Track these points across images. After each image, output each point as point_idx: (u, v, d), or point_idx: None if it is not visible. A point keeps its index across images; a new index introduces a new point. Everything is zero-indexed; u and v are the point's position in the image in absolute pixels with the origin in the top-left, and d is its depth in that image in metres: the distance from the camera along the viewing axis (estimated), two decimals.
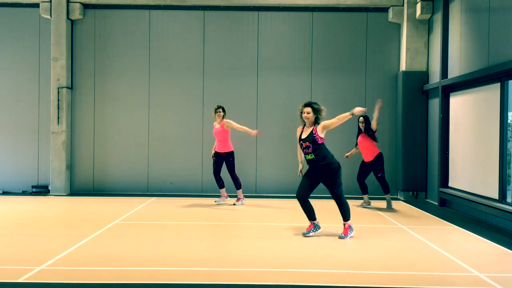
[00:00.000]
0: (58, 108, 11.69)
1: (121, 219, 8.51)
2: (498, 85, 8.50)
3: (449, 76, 10.37)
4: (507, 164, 8.38)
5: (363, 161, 10.03)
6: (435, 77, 11.09)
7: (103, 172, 12.04)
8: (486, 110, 8.88)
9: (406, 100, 11.51)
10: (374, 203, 10.45)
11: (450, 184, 10.35)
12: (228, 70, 12.01)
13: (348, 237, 7.15)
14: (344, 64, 12.02)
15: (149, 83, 12.03)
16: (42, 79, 12.03)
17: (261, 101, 11.99)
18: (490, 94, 8.76)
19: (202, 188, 11.76)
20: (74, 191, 11.99)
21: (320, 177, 7.22)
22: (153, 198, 11.08)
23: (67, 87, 11.79)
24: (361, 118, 9.84)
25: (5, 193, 11.87)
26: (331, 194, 7.25)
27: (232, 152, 10.01)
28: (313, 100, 6.98)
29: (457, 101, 10.17)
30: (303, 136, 7.22)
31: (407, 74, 11.53)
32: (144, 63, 12.05)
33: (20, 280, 5.12)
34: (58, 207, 10.10)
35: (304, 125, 7.32)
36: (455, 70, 10.12)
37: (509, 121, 8.45)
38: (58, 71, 11.69)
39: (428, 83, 11.45)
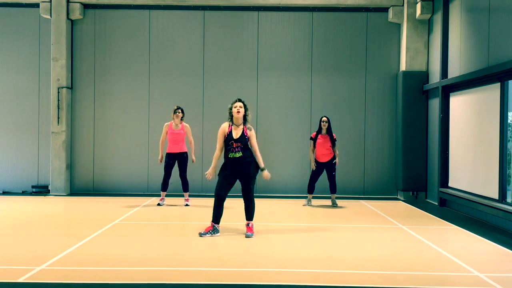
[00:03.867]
0: (58, 108, 11.69)
1: (121, 219, 8.51)
2: (498, 85, 8.50)
3: (449, 76, 10.37)
4: (507, 164, 8.38)
5: (318, 163, 10.06)
6: (435, 77, 11.09)
7: (103, 172, 12.04)
8: (486, 110, 8.87)
9: (406, 100, 11.51)
10: (343, 203, 10.71)
11: (450, 184, 10.35)
12: (228, 70, 12.01)
13: (254, 235, 7.18)
14: (344, 64, 12.02)
15: (149, 82, 12.04)
16: (42, 79, 12.03)
17: (261, 101, 11.99)
18: (490, 94, 8.76)
19: (202, 188, 11.75)
20: (74, 191, 11.99)
21: (239, 174, 7.22)
22: (153, 198, 11.08)
23: (67, 87, 11.79)
24: (325, 118, 10.05)
25: (5, 193, 11.87)
26: (244, 191, 7.27)
27: (187, 152, 10.05)
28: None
29: (457, 101, 10.17)
30: (235, 137, 7.17)
31: (407, 74, 11.53)
32: (144, 63, 12.06)
33: (20, 280, 5.12)
34: (58, 207, 10.10)
35: (231, 123, 7.26)
36: (455, 70, 10.12)
37: (509, 121, 8.45)
38: (58, 71, 11.70)
39: (428, 83, 11.45)
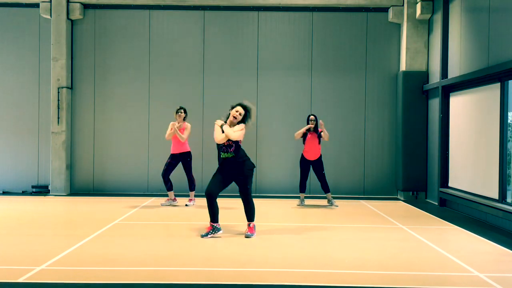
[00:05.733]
0: (58, 108, 11.69)
1: (121, 219, 8.51)
2: (498, 85, 8.50)
3: (449, 76, 10.38)
4: (507, 164, 8.38)
5: (305, 160, 10.10)
6: (435, 77, 11.09)
7: (103, 172, 12.04)
8: (486, 110, 8.88)
9: (406, 100, 11.52)
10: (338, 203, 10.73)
11: (450, 184, 10.35)
12: (228, 70, 12.01)
13: (254, 235, 7.19)
14: (344, 64, 12.02)
15: (149, 83, 12.04)
16: (42, 79, 12.03)
17: (261, 101, 11.99)
18: (490, 94, 8.76)
19: (202, 188, 11.74)
20: (74, 191, 11.99)
21: (234, 175, 7.18)
22: (153, 198, 11.08)
23: (67, 87, 11.79)
24: (312, 116, 10.08)
25: (5, 193, 11.87)
26: (241, 193, 7.23)
27: (190, 152, 10.03)
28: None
29: (457, 101, 10.17)
30: None
31: (407, 74, 11.53)
32: (144, 63, 12.06)
33: (20, 280, 5.12)
34: (58, 207, 10.10)
35: (225, 123, 7.23)
36: (455, 70, 10.12)
37: (509, 121, 8.45)
38: (58, 71, 11.70)
39: (428, 83, 11.45)
